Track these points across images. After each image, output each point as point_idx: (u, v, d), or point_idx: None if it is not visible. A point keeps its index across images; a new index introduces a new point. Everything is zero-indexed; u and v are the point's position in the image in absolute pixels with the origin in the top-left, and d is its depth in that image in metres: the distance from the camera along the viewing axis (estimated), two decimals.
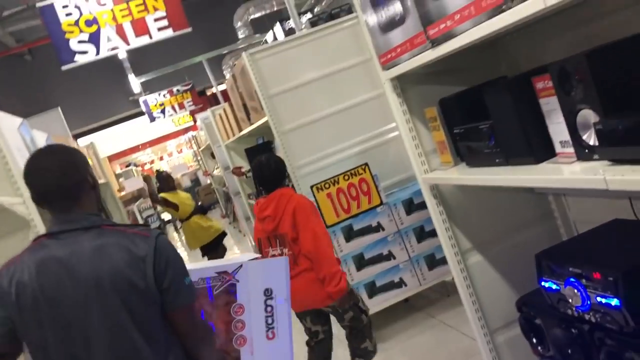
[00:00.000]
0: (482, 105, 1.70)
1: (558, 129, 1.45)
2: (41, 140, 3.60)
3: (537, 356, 1.92)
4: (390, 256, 3.99)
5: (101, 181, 5.64)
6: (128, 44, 5.00)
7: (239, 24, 11.16)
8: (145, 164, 23.11)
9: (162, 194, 6.21)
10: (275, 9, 10.82)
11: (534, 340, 1.90)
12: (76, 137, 12.40)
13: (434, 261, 4.08)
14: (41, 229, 2.73)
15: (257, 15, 11.24)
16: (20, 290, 1.55)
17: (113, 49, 4.95)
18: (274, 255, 2.98)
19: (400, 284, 4.02)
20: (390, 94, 2.06)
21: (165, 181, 6.44)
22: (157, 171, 6.49)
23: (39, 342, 1.57)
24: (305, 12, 7.32)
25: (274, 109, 4.25)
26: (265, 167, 3.13)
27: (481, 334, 2.15)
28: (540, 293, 1.88)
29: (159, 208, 14.08)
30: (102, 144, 15.09)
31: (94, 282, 1.56)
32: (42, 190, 1.63)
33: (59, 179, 1.61)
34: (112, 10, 4.79)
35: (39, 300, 1.54)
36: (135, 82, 11.42)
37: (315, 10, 10.01)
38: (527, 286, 2.10)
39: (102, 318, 1.56)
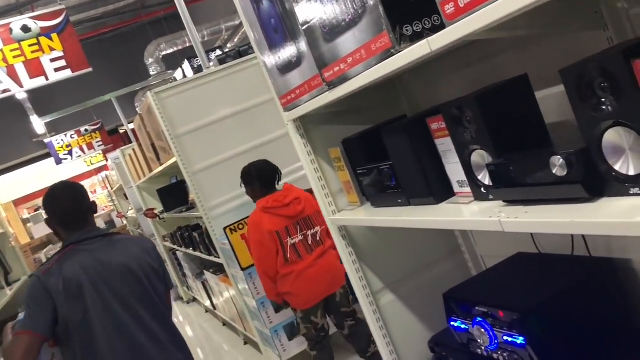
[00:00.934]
0: (383, 145, 1.69)
1: (455, 169, 1.45)
2: None
3: None
4: None
5: None
6: (22, 86, 4.69)
7: (150, 60, 10.91)
8: None
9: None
10: (187, 45, 10.67)
11: None
12: None
13: None
14: None
15: (169, 51, 11.05)
16: (66, 283, 2.09)
17: (4, 91, 4.60)
18: (294, 244, 3.25)
19: None
20: (294, 134, 2.02)
21: None
22: None
23: (83, 320, 2.10)
24: (215, 49, 7.25)
25: (183, 148, 4.12)
26: (265, 168, 3.48)
27: None
28: (451, 332, 1.87)
29: None
30: (6, 188, 14.16)
31: (125, 268, 2.21)
32: (64, 215, 2.25)
33: (76, 207, 2.26)
34: (1, 50, 4.47)
35: (83, 287, 2.11)
36: (38, 123, 10.83)
37: (227, 46, 9.97)
38: (439, 324, 2.09)
39: (135, 292, 2.21)
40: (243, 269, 3.78)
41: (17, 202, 18.59)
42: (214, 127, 4.22)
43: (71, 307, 2.09)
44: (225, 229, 3.77)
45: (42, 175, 17.11)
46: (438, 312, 2.14)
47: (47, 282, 2.09)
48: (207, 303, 5.98)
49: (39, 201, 20.16)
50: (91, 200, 2.35)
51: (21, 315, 2.09)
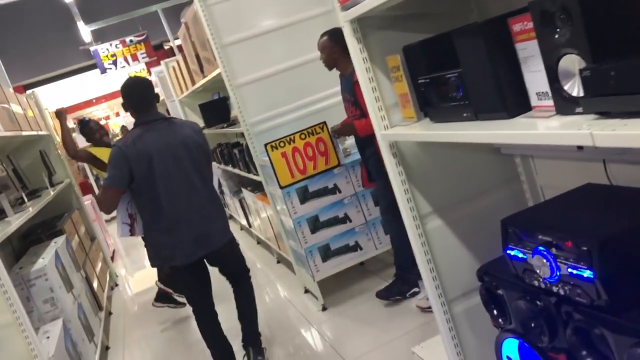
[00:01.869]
0: (450, 53, 1.51)
1: (535, 79, 1.28)
2: None
3: (497, 328, 1.80)
4: (346, 219, 3.84)
5: (42, 133, 5.27)
6: None
7: None
8: (100, 119, 22.24)
9: (90, 148, 4.60)
10: None
11: (495, 312, 1.76)
12: (25, 88, 11.69)
13: None
14: None
15: None
16: (139, 152, 2.80)
17: None
18: None
19: (356, 247, 3.88)
20: (350, 38, 1.85)
21: (92, 132, 4.57)
22: (80, 120, 4.89)
23: (150, 182, 2.83)
24: None
25: (228, 60, 3.97)
26: None
27: (438, 303, 2.01)
28: (503, 262, 1.74)
29: None
30: (53, 97, 14.34)
31: (181, 143, 2.91)
32: (138, 101, 2.94)
33: (145, 95, 2.96)
34: None
35: (151, 155, 2.81)
36: (85, 30, 10.75)
37: None
38: (488, 254, 1.96)
39: (188, 162, 2.92)
40: (282, 187, 3.71)
41: None
42: (261, 39, 4.04)
43: (142, 169, 2.81)
44: (266, 145, 3.67)
45: (85, 87, 17.30)
46: (488, 241, 2.02)
47: (125, 151, 2.80)
48: (243, 221, 6.01)
49: (84, 112, 20.58)
50: (155, 92, 3.10)
51: (106, 175, 2.90)
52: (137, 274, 6.68)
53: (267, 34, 4.06)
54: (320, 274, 3.81)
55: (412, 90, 1.78)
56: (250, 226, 5.74)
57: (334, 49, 3.42)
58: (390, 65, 1.85)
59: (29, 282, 3.33)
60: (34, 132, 4.82)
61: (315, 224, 3.79)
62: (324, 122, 3.74)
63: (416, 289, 3.54)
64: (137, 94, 2.93)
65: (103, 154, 4.16)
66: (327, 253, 3.81)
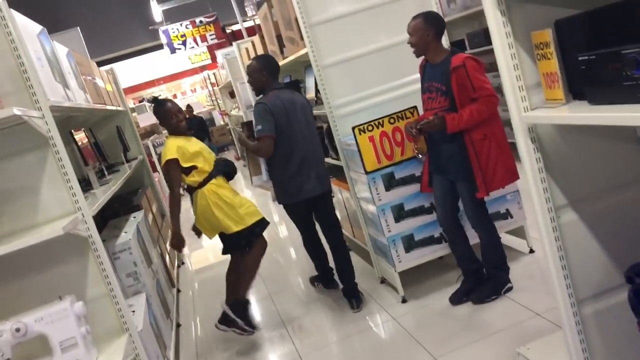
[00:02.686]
0: (616, 28, 1.35)
1: None
2: (62, 53, 3.25)
3: None
4: (432, 209, 3.69)
5: (120, 108, 5.32)
6: None
7: None
8: None
9: (171, 141, 3.79)
10: None
11: None
12: (97, 64, 11.97)
13: None
14: (60, 147, 2.43)
15: None
16: (279, 108, 3.62)
17: None
18: None
19: (440, 239, 3.73)
20: (492, 10, 1.70)
21: (168, 115, 3.68)
22: (155, 98, 4.67)
23: (286, 131, 3.62)
24: None
25: (315, 39, 3.86)
26: None
27: (567, 304, 1.86)
28: None
29: None
30: (119, 75, 14.69)
31: (301, 104, 3.76)
32: (273, 70, 3.80)
33: (278, 66, 3.86)
34: None
35: (287, 112, 3.63)
36: (156, 9, 10.88)
37: None
38: (628, 253, 1.80)
39: (308, 118, 3.79)
40: (367, 173, 3.59)
41: (126, 91, 19.38)
42: (350, 19, 3.91)
43: (282, 121, 3.61)
44: (354, 128, 3.56)
45: (147, 68, 17.64)
46: (627, 239, 1.85)
47: (271, 107, 3.60)
48: None
49: (144, 92, 21.01)
50: None
51: (259, 127, 3.59)
52: (198, 252, 6.73)
53: (356, 14, 3.93)
54: (402, 264, 3.68)
55: (562, 68, 1.63)
56: None
57: (427, 33, 3.23)
58: (536, 42, 1.69)
59: (114, 255, 3.33)
60: (115, 107, 4.86)
61: (400, 213, 3.65)
62: (415, 107, 3.60)
63: (510, 285, 3.38)
64: (275, 65, 3.80)
65: (186, 146, 3.60)
66: (410, 243, 3.68)
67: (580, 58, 1.52)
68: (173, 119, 3.64)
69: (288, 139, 3.63)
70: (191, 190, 3.70)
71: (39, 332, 2.18)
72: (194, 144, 3.70)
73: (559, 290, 1.86)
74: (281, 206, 3.97)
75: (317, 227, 4.04)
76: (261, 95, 3.78)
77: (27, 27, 2.60)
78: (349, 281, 3.91)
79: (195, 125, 9.41)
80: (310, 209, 3.91)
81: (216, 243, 6.69)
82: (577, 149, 1.81)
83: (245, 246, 3.69)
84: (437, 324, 3.35)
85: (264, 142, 3.60)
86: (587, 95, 1.54)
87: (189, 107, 11.76)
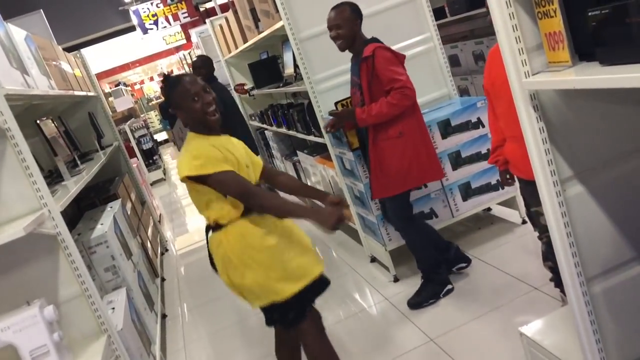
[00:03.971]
0: None
1: None
2: (19, 37, 3.01)
3: None
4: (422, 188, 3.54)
5: (90, 94, 5.08)
6: None
7: None
8: (135, 83, 22.19)
9: (193, 142, 2.60)
10: None
11: None
12: (66, 51, 11.54)
13: (469, 191, 3.65)
14: (19, 139, 2.22)
15: None
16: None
17: None
18: None
19: (431, 215, 3.60)
20: None
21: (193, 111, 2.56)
22: (167, 75, 2.65)
23: None
24: None
25: (291, 11, 3.65)
26: None
27: (576, 284, 1.72)
28: None
29: (151, 128, 13.47)
30: (90, 61, 14.26)
31: None
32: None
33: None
34: None
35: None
36: None
37: None
38: (637, 225, 1.67)
39: None
40: (352, 150, 3.42)
41: (99, 76, 18.89)
42: None
43: None
44: (336, 104, 3.38)
45: (121, 51, 17.18)
46: (638, 212, 1.72)
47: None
48: None
49: (119, 76, 20.54)
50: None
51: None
52: (183, 237, 6.56)
53: None
54: (392, 242, 3.55)
55: (567, 26, 1.46)
56: None
57: (355, 23, 3.01)
58: None
59: (89, 250, 3.15)
60: (84, 93, 4.61)
61: None
62: None
63: (450, 287, 3.23)
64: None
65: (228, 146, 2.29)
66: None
67: (590, 13, 1.35)
68: (195, 103, 2.15)
69: None
70: (211, 228, 2.32)
71: (6, 342, 2.01)
72: (237, 147, 2.30)
73: (566, 269, 1.72)
74: None
75: None
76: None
77: None
78: None
79: None
80: None
81: (202, 225, 6.48)
82: (584, 116, 1.66)
83: (293, 322, 2.31)
84: (438, 308, 3.22)
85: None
86: (599, 56, 1.38)
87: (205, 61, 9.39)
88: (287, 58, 5.07)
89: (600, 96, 1.62)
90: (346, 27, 2.98)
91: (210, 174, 2.09)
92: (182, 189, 9.87)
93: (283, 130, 5.21)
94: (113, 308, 2.83)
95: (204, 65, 5.22)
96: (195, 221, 7.00)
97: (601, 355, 1.76)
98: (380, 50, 2.91)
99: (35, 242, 2.26)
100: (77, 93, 4.14)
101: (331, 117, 3.19)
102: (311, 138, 4.34)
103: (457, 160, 3.58)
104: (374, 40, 3.03)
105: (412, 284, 3.45)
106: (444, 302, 3.18)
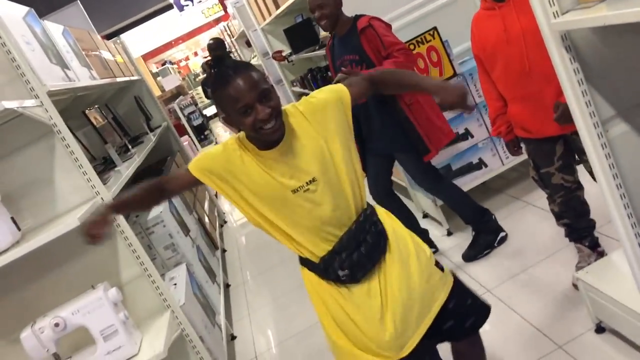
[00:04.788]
0: None
1: None
2: (56, 32, 3.10)
3: None
4: (467, 135, 3.47)
5: (134, 78, 5.20)
6: None
7: None
8: (180, 60, 22.50)
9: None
10: None
11: None
12: (107, 37, 11.81)
13: None
14: (66, 134, 2.32)
15: None
16: None
17: None
18: None
19: (480, 165, 3.53)
20: None
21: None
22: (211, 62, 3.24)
23: None
24: None
25: None
26: None
27: (627, 225, 1.67)
28: None
29: (200, 104, 13.69)
30: (134, 44, 14.53)
31: None
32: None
33: None
34: None
35: None
36: None
37: None
38: None
39: None
40: None
41: (145, 57, 19.27)
42: None
43: None
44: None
45: (163, 30, 17.40)
46: None
47: None
48: None
49: (164, 55, 20.86)
50: None
51: None
52: None
53: None
54: None
55: None
56: None
57: (338, 1, 2.96)
58: None
59: (147, 230, 3.28)
60: (127, 78, 4.73)
61: None
62: (435, 28, 3.32)
63: (503, 234, 3.17)
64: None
65: None
66: (449, 174, 3.49)
67: None
68: (245, 117, 1.54)
69: None
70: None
71: (78, 324, 2.15)
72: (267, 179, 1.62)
73: (616, 212, 1.67)
74: None
75: None
76: None
77: (9, 13, 2.45)
78: None
79: None
80: None
81: None
82: (621, 52, 1.58)
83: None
84: (486, 256, 3.20)
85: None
86: None
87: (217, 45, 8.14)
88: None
89: (636, 30, 1.53)
90: (330, 6, 2.94)
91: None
92: None
93: None
94: (175, 284, 2.96)
95: (218, 47, 5.65)
96: None
97: None
98: (375, 20, 2.92)
99: None
100: (119, 79, 4.25)
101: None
102: None
103: None
104: (358, 15, 3.01)
105: (466, 237, 3.42)
106: (499, 252, 3.14)
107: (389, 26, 2.97)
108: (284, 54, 6.35)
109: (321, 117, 1.62)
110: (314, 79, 5.39)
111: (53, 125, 2.29)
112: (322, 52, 4.85)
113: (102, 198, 2.37)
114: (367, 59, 2.88)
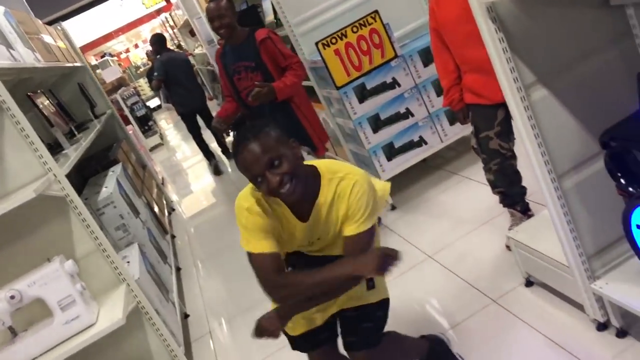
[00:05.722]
0: None
1: None
2: None
3: (624, 197, 1.65)
4: (408, 114, 3.66)
5: (77, 64, 5.13)
6: None
7: None
8: (120, 53, 21.97)
9: None
10: None
11: (623, 180, 1.61)
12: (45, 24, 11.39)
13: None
14: (15, 111, 2.33)
15: None
16: None
17: None
18: None
19: (420, 142, 3.72)
20: None
21: None
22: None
23: None
24: None
25: None
26: None
27: (547, 180, 1.86)
28: (632, 124, 1.57)
29: (143, 94, 13.47)
30: (72, 34, 14.10)
31: None
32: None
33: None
34: None
35: None
36: None
37: None
38: (601, 122, 1.79)
39: None
40: (338, 88, 3.52)
41: (83, 49, 18.71)
42: None
43: None
44: (317, 44, 3.44)
45: (102, 21, 16.97)
46: (599, 108, 1.84)
47: None
48: None
49: (103, 47, 20.32)
50: None
51: None
52: (188, 199, 6.73)
53: None
54: (386, 173, 3.69)
55: None
56: None
57: (235, 12, 3.34)
58: None
59: (98, 211, 3.30)
60: (71, 64, 4.68)
61: (377, 123, 3.62)
62: (376, 11, 3.47)
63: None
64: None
65: None
66: (391, 151, 3.67)
67: None
68: (259, 184, 1.64)
69: None
70: None
71: (35, 296, 2.18)
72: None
73: (538, 168, 1.86)
74: None
75: None
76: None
77: None
78: None
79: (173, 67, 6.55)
80: None
81: (205, 186, 6.71)
82: (541, 23, 1.75)
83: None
84: (427, 224, 3.40)
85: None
86: None
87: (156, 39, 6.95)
88: (267, 5, 5.08)
89: (553, 3, 1.71)
90: (228, 16, 3.26)
91: (248, 252, 1.73)
92: (181, 152, 9.99)
93: None
94: (128, 262, 3.00)
95: (155, 42, 6.61)
96: (199, 183, 7.16)
97: (576, 243, 1.92)
98: (272, 33, 3.33)
99: (46, 205, 2.41)
100: (65, 65, 4.21)
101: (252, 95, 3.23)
102: None
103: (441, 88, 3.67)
104: (255, 27, 3.45)
105: (408, 210, 3.62)
106: (440, 223, 3.34)
107: (281, 38, 3.38)
108: None
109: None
110: None
111: (2, 102, 2.29)
112: None
113: (54, 174, 2.40)
114: (262, 67, 3.26)
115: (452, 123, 3.73)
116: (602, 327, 2.04)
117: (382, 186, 1.93)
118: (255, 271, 1.70)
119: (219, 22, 3.24)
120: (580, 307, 2.11)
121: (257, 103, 3.23)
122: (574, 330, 2.12)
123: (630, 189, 1.60)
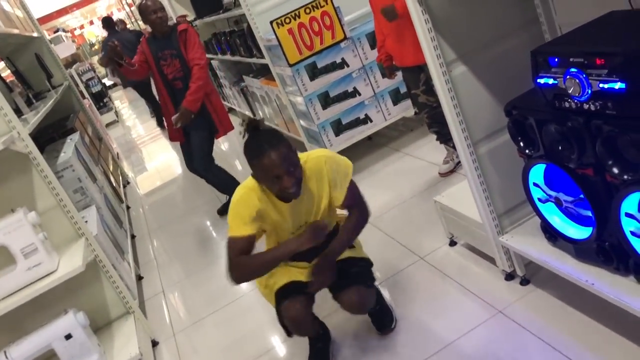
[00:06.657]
0: None
1: None
2: None
3: (524, 158, 1.95)
4: (355, 93, 3.92)
5: (35, 35, 5.18)
6: None
7: None
8: (75, 29, 21.48)
9: None
10: None
11: (522, 144, 1.91)
12: None
13: (399, 96, 4.04)
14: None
15: None
16: None
17: None
18: None
19: (366, 120, 4.00)
20: None
21: None
22: None
23: None
24: None
25: None
26: None
27: (464, 146, 2.15)
28: (531, 95, 1.86)
29: (98, 72, 13.30)
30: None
31: None
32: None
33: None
34: None
35: None
36: None
37: None
38: (510, 96, 2.08)
39: None
40: (291, 65, 3.74)
41: (38, 22, 18.22)
42: None
43: None
44: (271, 23, 3.66)
45: None
46: (509, 84, 2.13)
47: None
48: (247, 112, 6.06)
49: (57, 22, 19.82)
50: None
51: None
52: (142, 175, 6.84)
53: None
54: (333, 148, 3.95)
55: None
56: (254, 115, 5.80)
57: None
58: None
59: (57, 174, 3.43)
60: (29, 34, 4.73)
61: (326, 100, 3.87)
62: None
63: None
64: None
65: None
66: (339, 127, 3.93)
67: None
68: (274, 183, 1.97)
69: None
70: None
71: None
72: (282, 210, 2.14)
73: (457, 135, 2.14)
74: None
75: None
76: None
77: None
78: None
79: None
80: None
81: (160, 164, 6.80)
82: (463, 8, 2.02)
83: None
84: (370, 194, 3.65)
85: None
86: None
87: (104, 23, 8.47)
88: None
89: None
90: (164, 10, 3.80)
91: (228, 236, 2.04)
92: (136, 131, 10.02)
93: (228, 57, 5.45)
94: (86, 221, 3.16)
95: (104, 25, 8.21)
96: (153, 160, 7.26)
97: (488, 202, 2.22)
98: (191, 27, 3.84)
99: (10, 161, 2.56)
100: (24, 34, 4.28)
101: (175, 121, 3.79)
102: (254, 60, 4.62)
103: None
104: (179, 21, 3.91)
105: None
106: (380, 193, 3.63)
107: (197, 35, 3.85)
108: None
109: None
110: (218, 42, 5.63)
111: None
112: (225, 15, 5.11)
113: (18, 132, 2.54)
114: (180, 55, 3.74)
115: (395, 103, 4.02)
116: (509, 277, 2.36)
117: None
118: (226, 254, 2.02)
119: (162, 13, 3.75)
120: (492, 261, 2.43)
121: (184, 124, 3.78)
122: (487, 281, 2.43)
123: (527, 151, 1.89)
